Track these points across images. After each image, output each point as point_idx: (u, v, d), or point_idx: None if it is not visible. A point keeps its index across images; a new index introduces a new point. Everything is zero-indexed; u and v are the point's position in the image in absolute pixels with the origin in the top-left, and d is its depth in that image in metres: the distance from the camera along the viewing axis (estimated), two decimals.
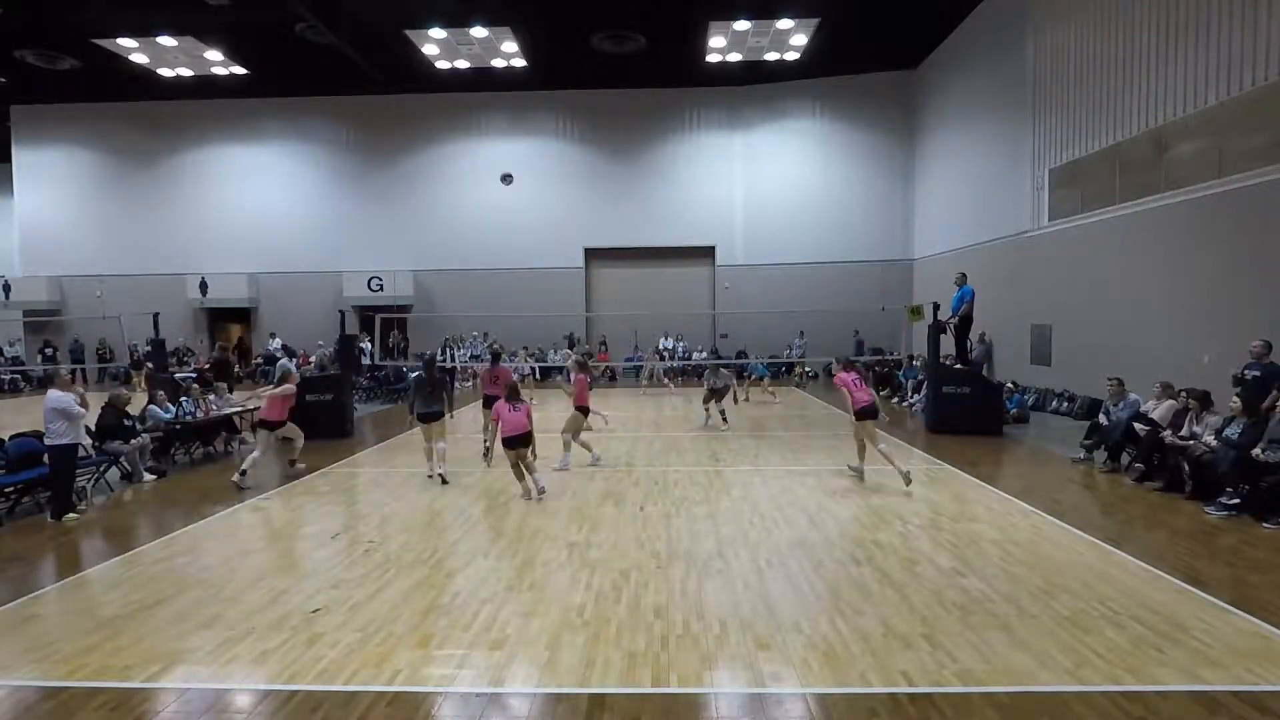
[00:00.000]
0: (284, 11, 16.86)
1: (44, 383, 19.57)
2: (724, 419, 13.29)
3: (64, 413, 7.64)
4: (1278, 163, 9.74)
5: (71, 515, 7.79)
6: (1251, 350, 8.75)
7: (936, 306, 13.34)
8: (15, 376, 23.07)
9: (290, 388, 9.69)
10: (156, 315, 14.70)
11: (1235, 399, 8.05)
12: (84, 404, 8.11)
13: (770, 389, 18.14)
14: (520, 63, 21.27)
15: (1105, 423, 9.81)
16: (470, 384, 21.62)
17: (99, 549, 6.86)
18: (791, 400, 18.13)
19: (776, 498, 8.30)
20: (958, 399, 12.45)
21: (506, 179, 18.19)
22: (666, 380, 20.71)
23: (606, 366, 23.40)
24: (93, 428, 9.56)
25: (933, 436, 12.27)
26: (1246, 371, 8.74)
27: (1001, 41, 17.26)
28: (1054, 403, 14.61)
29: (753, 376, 18.55)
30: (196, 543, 6.97)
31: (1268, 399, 8.06)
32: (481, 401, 11.14)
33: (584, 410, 10.10)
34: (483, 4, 17.81)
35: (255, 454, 9.36)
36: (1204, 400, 8.50)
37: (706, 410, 13.49)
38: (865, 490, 8.52)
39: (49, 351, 24.16)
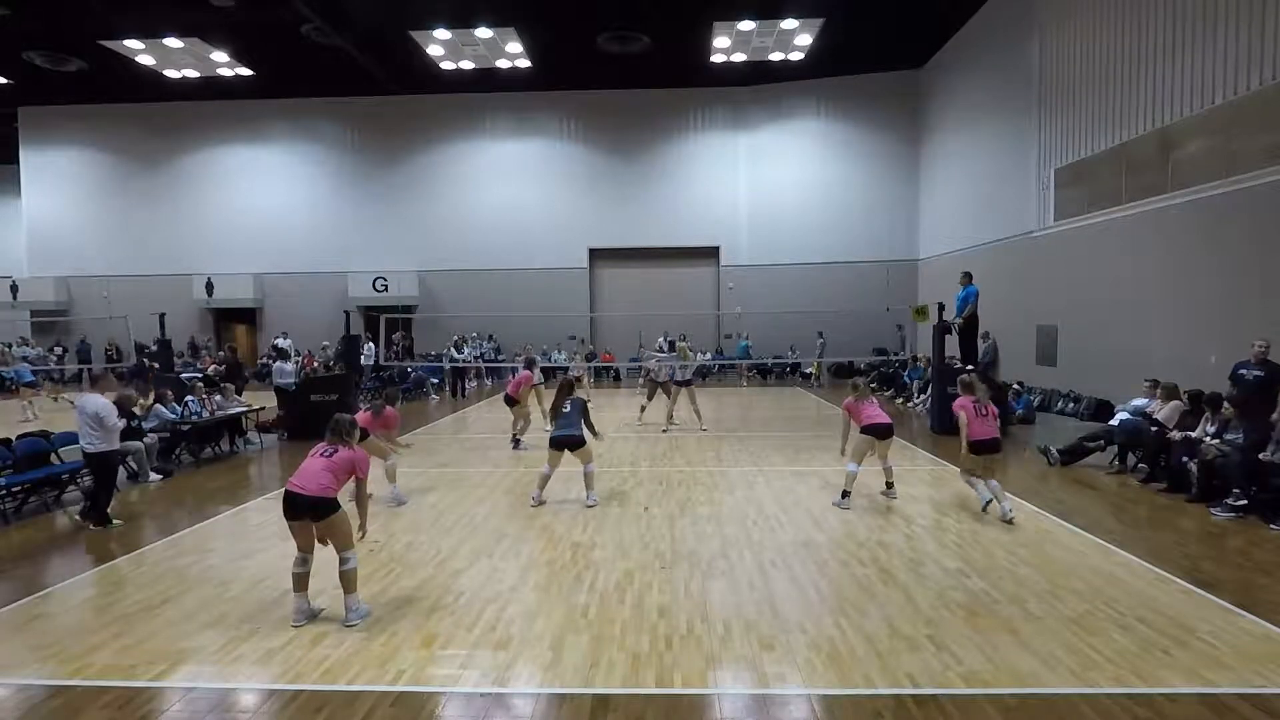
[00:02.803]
0: (289, 12, 16.92)
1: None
2: (698, 417, 13.21)
3: (101, 421, 7.38)
4: None
5: (117, 523, 7.50)
6: (1254, 348, 8.61)
7: (942, 306, 13.31)
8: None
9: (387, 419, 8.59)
10: (163, 315, 14.76)
11: (1227, 405, 8.02)
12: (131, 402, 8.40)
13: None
14: (525, 63, 21.29)
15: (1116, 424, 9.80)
16: (479, 384, 21.62)
17: (105, 548, 6.88)
18: (796, 401, 18.10)
19: (780, 498, 8.29)
20: None
21: None
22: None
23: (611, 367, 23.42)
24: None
25: (938, 437, 12.24)
26: (1244, 371, 8.63)
27: (1007, 41, 17.20)
28: (1059, 403, 14.54)
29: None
30: (202, 542, 6.99)
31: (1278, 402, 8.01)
32: (504, 399, 12.16)
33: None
34: (487, 4, 17.83)
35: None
36: (1215, 402, 8.43)
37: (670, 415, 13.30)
38: (870, 491, 8.48)
39: (58, 351, 24.29)
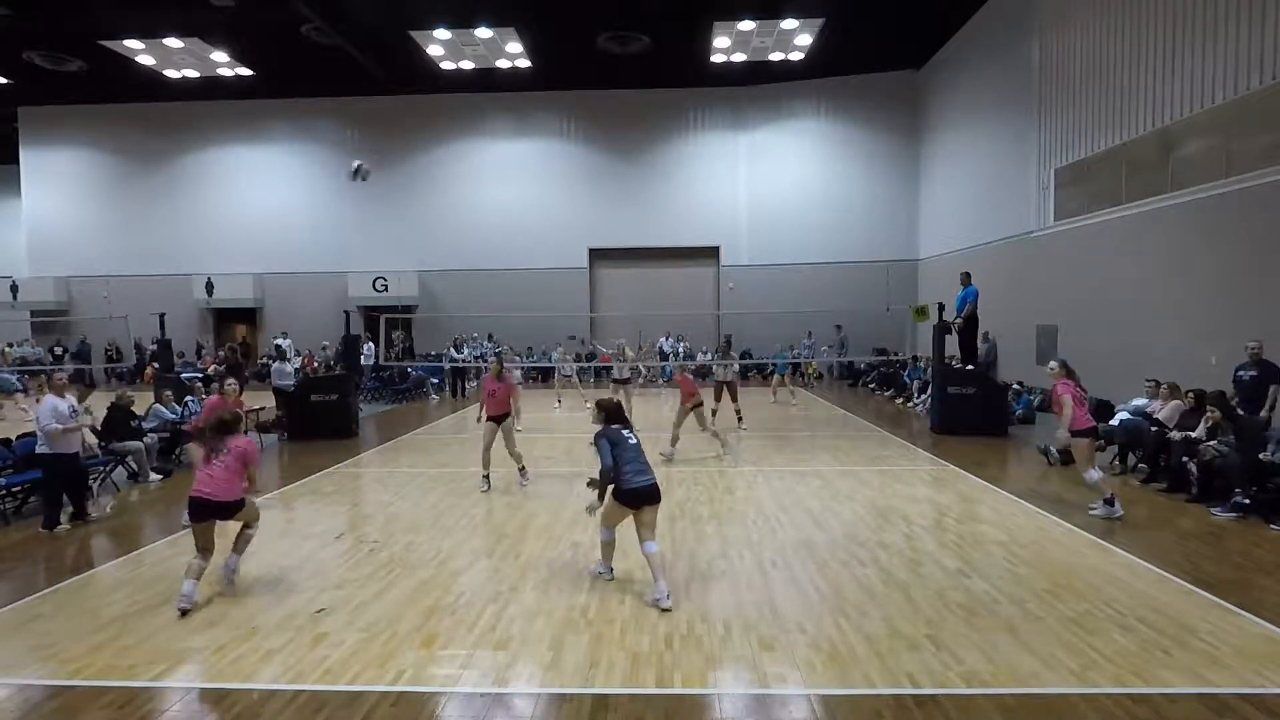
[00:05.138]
0: (289, 12, 16.91)
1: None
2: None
3: (38, 421, 7.35)
4: None
5: (63, 527, 7.42)
6: (1248, 349, 8.64)
7: (942, 307, 13.31)
8: (21, 376, 23.11)
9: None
10: (163, 316, 14.71)
11: (1211, 409, 8.01)
12: (84, 409, 8.10)
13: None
14: (525, 63, 21.28)
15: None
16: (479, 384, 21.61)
17: (105, 548, 6.88)
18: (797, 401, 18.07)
19: (780, 498, 8.29)
20: (963, 399, 12.42)
21: (358, 174, 14.25)
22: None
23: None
24: (99, 427, 9.61)
25: (938, 437, 12.24)
26: (1241, 372, 8.66)
27: (1007, 41, 17.19)
28: None
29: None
30: None
31: (1268, 399, 8.03)
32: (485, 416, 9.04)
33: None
34: (488, 4, 17.83)
35: None
36: (1221, 400, 8.41)
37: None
38: (869, 491, 8.49)
39: (58, 351, 24.26)
